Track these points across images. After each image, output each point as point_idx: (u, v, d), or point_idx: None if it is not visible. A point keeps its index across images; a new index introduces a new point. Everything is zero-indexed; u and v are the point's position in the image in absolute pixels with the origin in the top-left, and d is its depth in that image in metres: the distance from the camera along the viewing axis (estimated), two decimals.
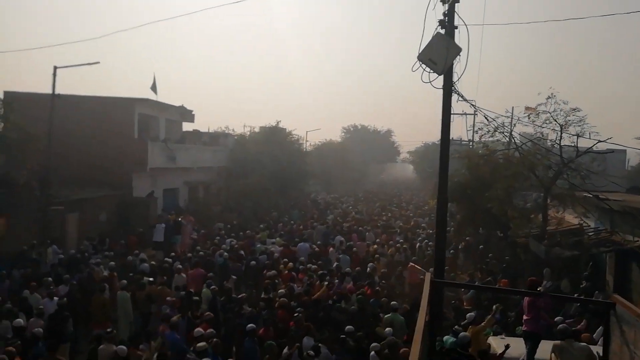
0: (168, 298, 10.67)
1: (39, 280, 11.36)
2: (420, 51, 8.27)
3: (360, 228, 21.28)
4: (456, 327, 8.66)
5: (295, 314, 9.20)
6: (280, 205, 28.38)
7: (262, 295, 10.88)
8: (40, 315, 9.57)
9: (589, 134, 13.73)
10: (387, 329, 8.50)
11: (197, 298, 10.83)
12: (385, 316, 9.41)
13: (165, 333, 8.57)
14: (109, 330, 8.72)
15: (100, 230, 17.61)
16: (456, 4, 8.90)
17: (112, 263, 13.28)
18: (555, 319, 8.92)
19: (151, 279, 12.00)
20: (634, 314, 5.42)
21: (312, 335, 8.20)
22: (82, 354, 9.94)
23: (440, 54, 8.32)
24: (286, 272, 12.90)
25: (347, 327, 8.67)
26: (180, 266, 12.95)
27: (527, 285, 7.53)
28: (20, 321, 8.70)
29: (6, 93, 19.06)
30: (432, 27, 8.65)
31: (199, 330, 8.34)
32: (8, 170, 16.74)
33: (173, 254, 15.50)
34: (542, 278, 12.04)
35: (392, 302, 10.02)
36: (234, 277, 12.62)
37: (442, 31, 8.70)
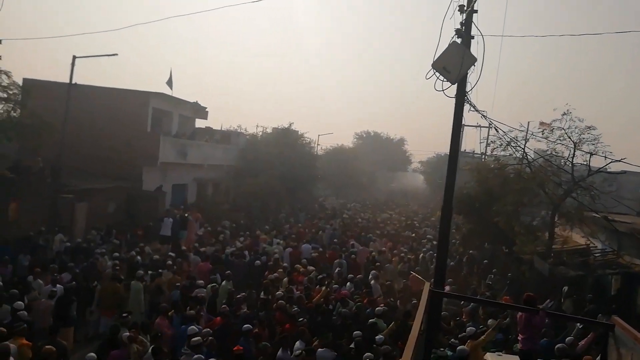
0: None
1: (44, 267, 11.52)
2: (435, 59, 8.26)
3: (368, 235, 21.27)
4: (452, 340, 8.57)
5: (300, 319, 9.24)
6: (287, 207, 28.42)
7: (261, 296, 10.91)
8: (52, 296, 9.82)
9: (604, 153, 13.54)
10: (378, 336, 8.46)
11: (204, 290, 10.99)
12: (370, 321, 9.45)
13: (182, 327, 8.72)
14: (124, 314, 8.99)
15: (107, 221, 17.80)
16: (474, 14, 8.91)
17: (117, 254, 13.41)
18: (566, 340, 8.78)
19: (160, 270, 12.19)
20: (632, 336, 5.34)
21: (305, 339, 8.19)
22: (80, 343, 10.11)
23: (455, 63, 8.31)
24: (295, 273, 13.04)
25: (355, 332, 8.66)
26: (170, 262, 12.91)
27: (523, 301, 7.43)
28: (20, 304, 8.83)
29: (25, 80, 19.40)
30: (449, 36, 8.66)
31: (193, 327, 8.40)
32: (22, 156, 17.04)
33: (184, 248, 15.61)
34: (559, 295, 11.97)
35: (377, 308, 10.02)
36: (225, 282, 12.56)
37: (459, 40, 8.70)
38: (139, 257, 13.60)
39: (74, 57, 17.70)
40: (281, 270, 13.05)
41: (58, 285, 10.42)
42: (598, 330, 8.74)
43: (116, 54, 17.91)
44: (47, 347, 7.00)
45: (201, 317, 9.82)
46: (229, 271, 12.47)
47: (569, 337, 8.90)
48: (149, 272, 11.97)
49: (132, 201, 20.33)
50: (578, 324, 9.73)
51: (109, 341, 7.99)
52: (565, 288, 11.93)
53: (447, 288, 13.00)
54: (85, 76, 52.67)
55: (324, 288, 11.27)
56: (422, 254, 17.48)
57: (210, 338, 7.99)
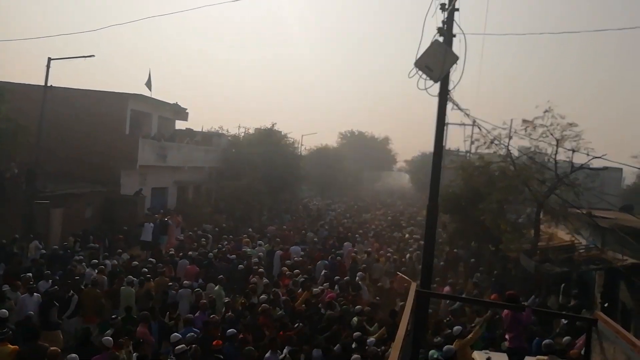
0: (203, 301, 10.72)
1: (19, 276, 11.33)
2: (418, 58, 8.39)
3: (356, 235, 21.48)
4: (438, 338, 8.70)
5: (296, 325, 9.29)
6: (272, 209, 28.40)
7: (242, 300, 10.90)
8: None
9: (586, 149, 13.86)
10: (370, 339, 8.55)
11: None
12: (353, 319, 9.57)
13: (181, 332, 8.75)
14: (113, 317, 9.05)
15: (84, 227, 17.57)
16: (455, 13, 9.07)
17: (95, 260, 13.26)
18: (564, 340, 8.92)
19: (148, 275, 12.18)
20: (615, 330, 5.53)
21: (292, 344, 8.25)
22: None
23: (437, 62, 8.44)
24: (283, 276, 13.15)
25: (355, 333, 8.75)
26: (145, 270, 12.76)
27: (505, 299, 7.60)
28: (5, 312, 8.79)
29: None
30: (431, 34, 8.79)
31: (176, 335, 8.39)
32: None
33: (172, 251, 15.51)
34: (545, 292, 12.22)
35: (357, 307, 10.14)
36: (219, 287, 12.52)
37: (441, 39, 8.84)
38: (110, 261, 13.52)
39: (49, 59, 17.46)
40: (257, 276, 12.93)
41: (35, 294, 10.28)
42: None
43: (93, 56, 17.69)
44: (52, 348, 7.30)
45: (180, 321, 9.81)
46: (221, 276, 12.49)
47: (567, 337, 9.05)
48: (131, 277, 11.88)
49: (110, 206, 20.10)
50: (563, 320, 9.98)
51: (81, 344, 8.10)
52: (563, 285, 12.14)
53: (447, 289, 13.21)
54: (62, 78, 51.86)
55: (305, 292, 11.33)
56: (408, 254, 17.68)
57: (194, 346, 7.92)
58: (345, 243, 18.89)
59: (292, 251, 16.67)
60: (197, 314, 9.93)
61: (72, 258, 13.66)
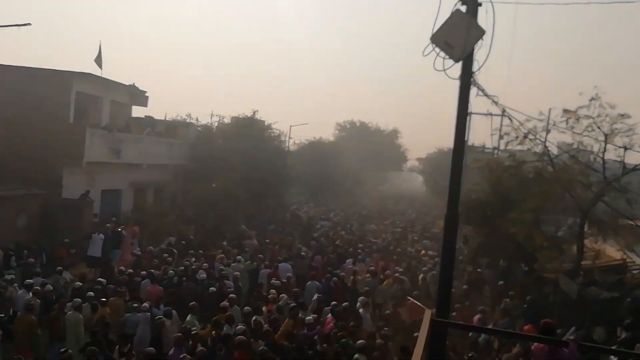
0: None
1: None
2: (434, 32, 8.42)
3: (357, 251, 21.57)
4: None
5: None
6: (252, 218, 28.41)
7: (213, 332, 10.89)
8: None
9: None
10: None
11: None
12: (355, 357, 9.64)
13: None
14: (62, 350, 9.15)
15: (17, 239, 17.46)
16: None
17: (29, 281, 13.18)
18: None
19: (103, 299, 12.23)
20: None
21: None
22: None
23: (458, 37, 8.47)
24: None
25: None
26: (91, 292, 12.72)
27: (540, 329, 7.66)
28: None
29: None
30: (452, 3, 8.83)
31: None
32: None
33: (128, 270, 15.57)
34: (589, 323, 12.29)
35: (359, 341, 10.22)
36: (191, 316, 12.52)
37: (463, 8, 8.90)
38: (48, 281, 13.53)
39: None
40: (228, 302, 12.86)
41: None
42: None
43: (29, 24, 17.64)
44: None
45: (132, 355, 9.76)
46: (193, 302, 12.52)
47: None
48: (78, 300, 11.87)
49: (49, 213, 20.05)
50: (613, 357, 10.04)
51: None
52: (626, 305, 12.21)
53: (477, 317, 13.26)
54: None
55: (287, 320, 11.36)
56: (422, 274, 17.73)
57: None
58: (347, 260, 18.98)
59: (282, 269, 16.69)
60: (171, 352, 9.91)
61: (1, 277, 13.59)
